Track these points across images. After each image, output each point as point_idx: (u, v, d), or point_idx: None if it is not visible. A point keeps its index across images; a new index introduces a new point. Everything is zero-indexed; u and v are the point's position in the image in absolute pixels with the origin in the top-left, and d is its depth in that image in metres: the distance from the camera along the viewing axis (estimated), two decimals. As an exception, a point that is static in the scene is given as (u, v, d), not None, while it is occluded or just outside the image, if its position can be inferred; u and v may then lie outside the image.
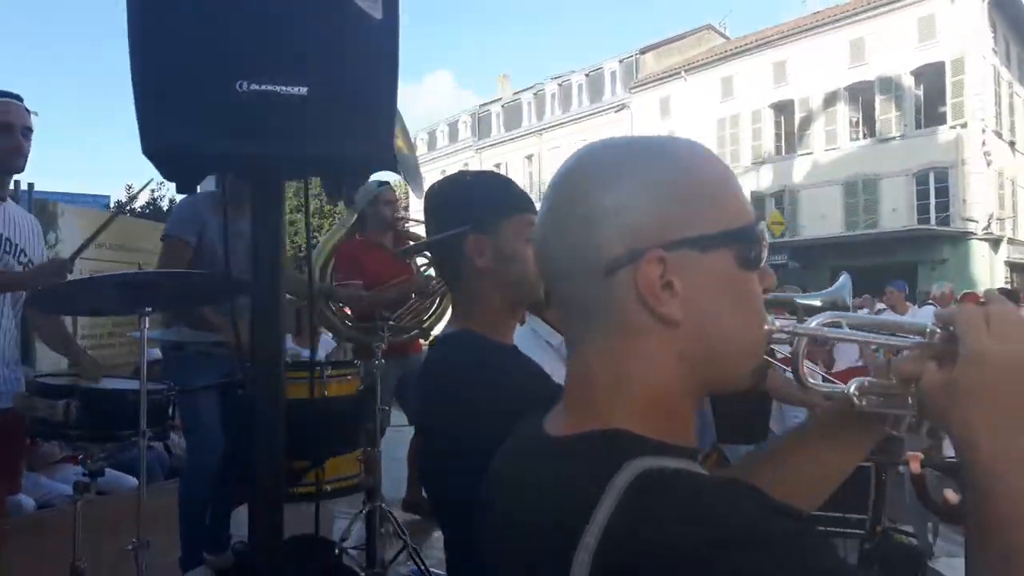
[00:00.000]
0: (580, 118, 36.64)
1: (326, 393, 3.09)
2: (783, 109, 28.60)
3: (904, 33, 24.94)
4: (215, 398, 3.37)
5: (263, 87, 1.20)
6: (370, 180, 4.86)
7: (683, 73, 31.52)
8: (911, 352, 0.85)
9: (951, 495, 2.04)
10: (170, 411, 2.95)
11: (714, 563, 0.65)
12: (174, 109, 1.20)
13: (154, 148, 1.22)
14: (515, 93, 42.17)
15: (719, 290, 0.80)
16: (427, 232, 1.73)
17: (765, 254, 0.83)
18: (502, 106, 42.15)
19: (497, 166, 41.22)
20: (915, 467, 2.07)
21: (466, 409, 1.34)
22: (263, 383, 1.53)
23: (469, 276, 1.57)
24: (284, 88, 1.22)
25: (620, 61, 35.06)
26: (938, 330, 0.82)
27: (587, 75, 36.83)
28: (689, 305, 0.78)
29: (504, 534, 0.83)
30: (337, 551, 3.10)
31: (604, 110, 35.46)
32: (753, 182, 29.13)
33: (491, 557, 0.87)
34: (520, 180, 39.23)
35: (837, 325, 0.89)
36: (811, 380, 0.92)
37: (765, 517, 0.69)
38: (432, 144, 47.00)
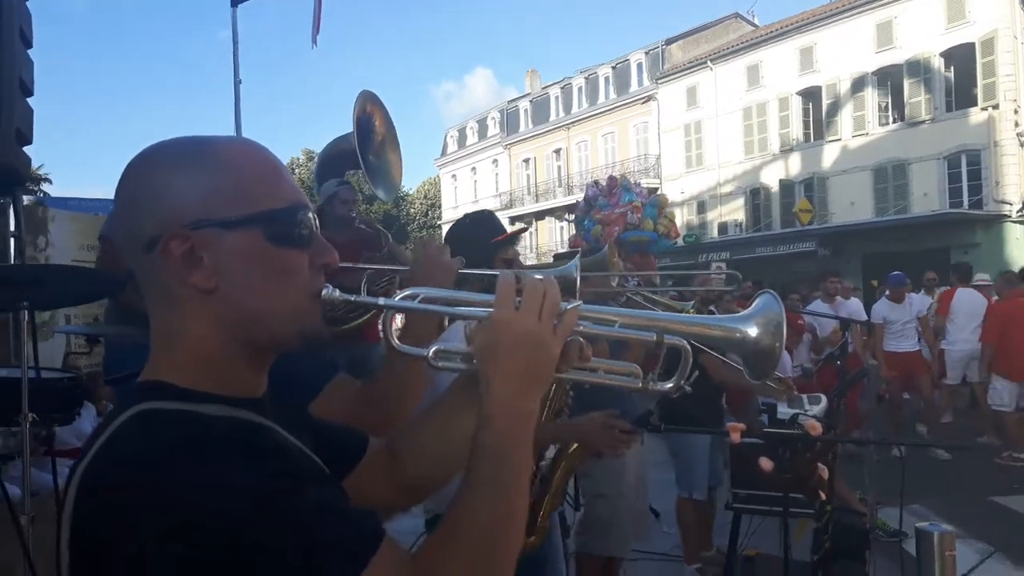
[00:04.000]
0: (607, 110, 36.61)
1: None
2: (811, 96, 28.28)
3: (932, 14, 24.50)
4: None
5: None
6: (327, 185, 5.05)
7: (709, 63, 31.31)
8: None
9: (766, 462, 2.23)
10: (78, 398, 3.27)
11: (120, 484, 0.80)
12: None
13: None
14: (543, 87, 42.21)
15: (248, 263, 0.93)
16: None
17: (307, 233, 0.96)
18: (530, 101, 42.21)
19: (525, 161, 41.35)
20: (736, 437, 2.25)
21: None
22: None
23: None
24: None
25: (646, 52, 34.92)
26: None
27: (613, 67, 36.74)
28: (220, 276, 0.92)
29: None
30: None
31: (631, 102, 35.37)
32: (782, 170, 28.89)
33: None
34: (549, 175, 39.44)
35: (412, 298, 1.03)
36: (398, 344, 1.08)
37: (218, 457, 0.80)
38: (462, 142, 47.24)
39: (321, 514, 0.82)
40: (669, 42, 34.33)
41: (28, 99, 1.72)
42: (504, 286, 0.97)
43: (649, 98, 34.36)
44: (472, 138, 46.48)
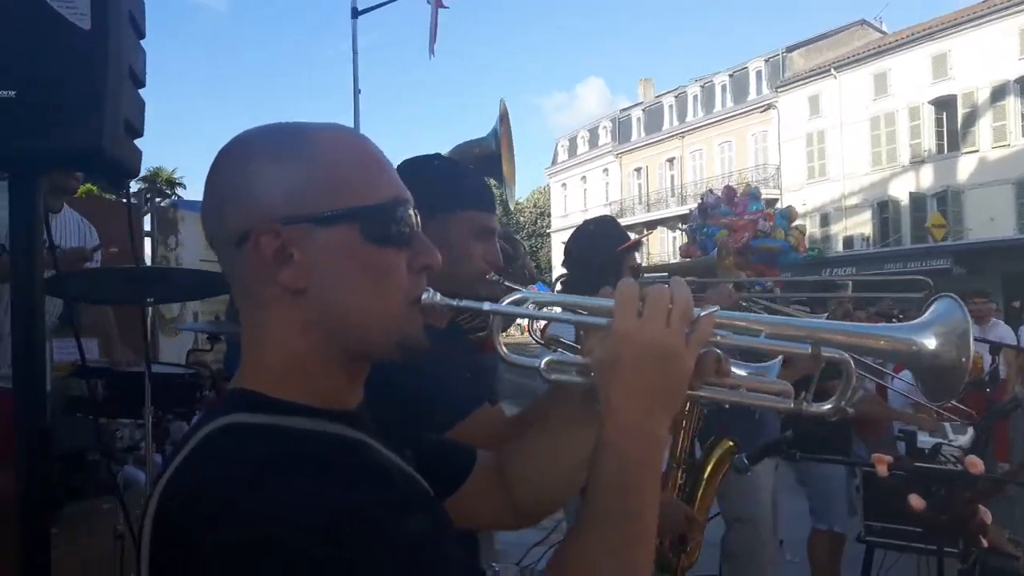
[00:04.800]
0: (723, 119, 35.76)
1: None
2: (944, 105, 26.76)
3: (1086, 17, 22.85)
4: None
5: None
6: None
7: (833, 71, 30.12)
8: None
9: (916, 500, 1.96)
10: (199, 394, 3.29)
11: (204, 503, 0.73)
12: None
13: None
14: (656, 96, 41.71)
15: (341, 262, 0.84)
16: None
17: (408, 232, 0.87)
18: (643, 110, 41.77)
19: (637, 170, 40.94)
20: (882, 470, 2.00)
21: None
22: (26, 381, 1.64)
23: None
24: None
25: (766, 60, 33.94)
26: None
27: (731, 75, 35.86)
28: (312, 275, 0.84)
29: None
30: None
31: (749, 110, 34.45)
32: (912, 183, 27.42)
33: None
34: (662, 183, 38.94)
35: (521, 303, 0.94)
36: (506, 353, 0.94)
37: (302, 480, 0.72)
38: (572, 151, 47.21)
39: (421, 549, 0.73)
40: (790, 49, 33.24)
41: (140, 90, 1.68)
42: (626, 291, 0.84)
43: (769, 106, 33.35)
44: (583, 147, 46.35)
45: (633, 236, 3.17)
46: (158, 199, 25.94)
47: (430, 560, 0.74)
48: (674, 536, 2.70)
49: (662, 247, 38.64)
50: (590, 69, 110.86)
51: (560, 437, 1.07)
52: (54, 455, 3.35)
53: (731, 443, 2.93)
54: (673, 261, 28.11)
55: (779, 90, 32.69)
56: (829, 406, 0.94)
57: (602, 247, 2.82)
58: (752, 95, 34.56)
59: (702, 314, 0.85)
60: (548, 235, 48.70)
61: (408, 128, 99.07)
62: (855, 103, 29.19)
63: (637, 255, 3.55)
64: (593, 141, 45.43)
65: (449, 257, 1.22)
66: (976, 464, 1.92)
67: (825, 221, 30.81)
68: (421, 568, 0.72)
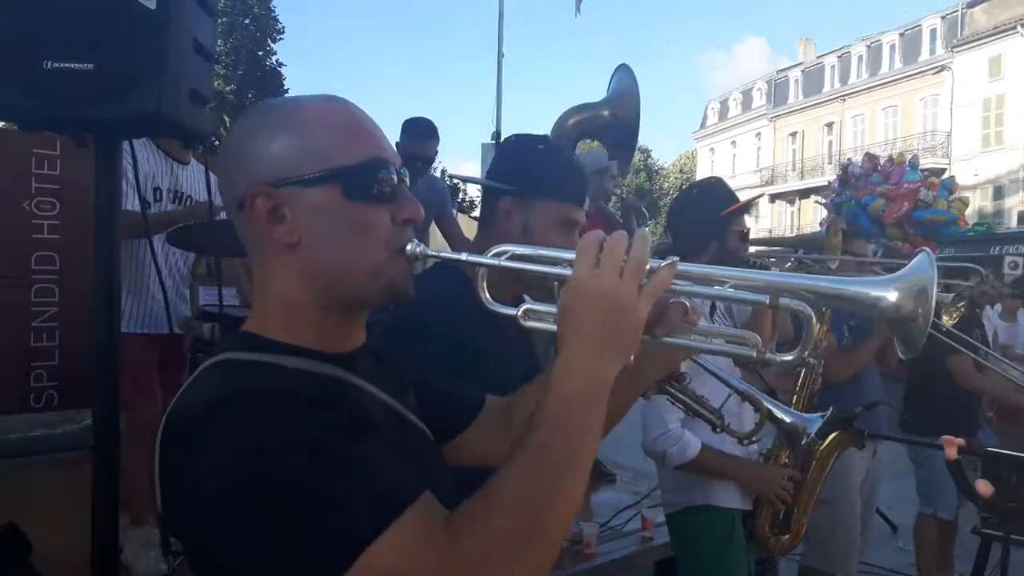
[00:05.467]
0: (890, 82, 33.43)
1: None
2: None
3: None
4: None
5: (62, 64, 1.60)
6: (598, 153, 5.01)
7: (1020, 27, 27.33)
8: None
9: (984, 486, 1.83)
10: None
11: (188, 429, 0.85)
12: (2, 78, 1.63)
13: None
14: (818, 57, 39.43)
15: (327, 218, 0.95)
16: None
17: (389, 189, 0.96)
18: (801, 71, 39.63)
19: (792, 135, 39.07)
20: (951, 453, 1.87)
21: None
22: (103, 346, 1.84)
23: (497, 230, 1.72)
24: (76, 65, 1.61)
25: (943, 17, 31.28)
26: None
27: (901, 34, 33.34)
28: (303, 231, 0.95)
29: None
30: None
31: (919, 72, 31.97)
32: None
33: None
34: (818, 150, 37.00)
35: (500, 255, 0.98)
36: (488, 301, 1.01)
37: (272, 404, 0.83)
38: (724, 114, 45.60)
39: (358, 466, 0.81)
40: (971, 5, 30.38)
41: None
42: (585, 243, 0.89)
43: (942, 68, 30.79)
44: (735, 110, 44.63)
45: (745, 200, 3.02)
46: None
47: (372, 472, 0.82)
48: (778, 502, 2.63)
49: (815, 217, 36.81)
50: (751, 28, 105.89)
51: None
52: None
53: (848, 434, 2.78)
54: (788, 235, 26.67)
55: (955, 50, 30.07)
56: (790, 357, 0.99)
57: (706, 211, 2.71)
58: (924, 55, 32.00)
59: (661, 265, 0.90)
60: (694, 201, 47.41)
61: (551, 91, 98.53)
62: (1044, 64, 26.45)
63: (748, 219, 3.44)
64: (746, 104, 43.60)
65: (525, 241, 1.27)
66: (1047, 453, 1.83)
67: (999, 194, 28.27)
68: (362, 479, 0.81)
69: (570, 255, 0.92)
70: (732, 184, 3.12)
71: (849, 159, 18.67)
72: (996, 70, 28.45)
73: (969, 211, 20.18)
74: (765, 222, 39.58)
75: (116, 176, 1.91)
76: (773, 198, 39.63)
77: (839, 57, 36.95)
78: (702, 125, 47.90)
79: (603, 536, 3.71)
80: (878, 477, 3.82)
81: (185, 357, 3.71)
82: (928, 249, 0.96)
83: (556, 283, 0.97)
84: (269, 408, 0.84)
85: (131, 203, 2.79)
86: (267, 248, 0.98)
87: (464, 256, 1.02)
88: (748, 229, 2.77)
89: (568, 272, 0.91)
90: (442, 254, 1.04)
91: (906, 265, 0.93)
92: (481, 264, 1.00)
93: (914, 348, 0.94)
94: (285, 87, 29.03)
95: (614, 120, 4.47)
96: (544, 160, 1.77)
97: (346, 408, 0.91)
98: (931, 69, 31.37)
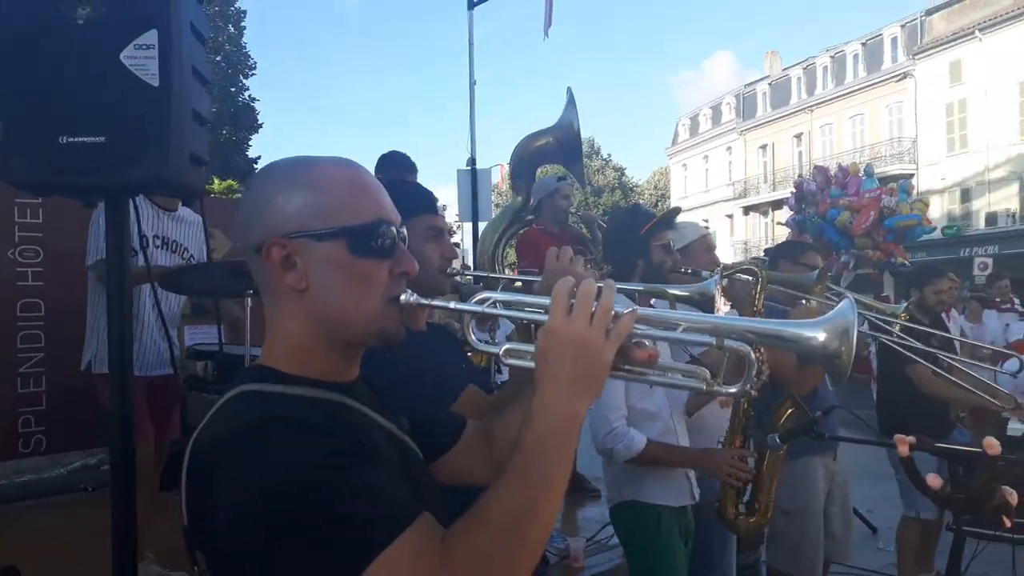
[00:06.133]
0: (856, 91, 34.09)
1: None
2: (1108, 65, 24.46)
3: None
4: None
5: (75, 139, 1.79)
6: (549, 175, 5.13)
7: (978, 32, 28.03)
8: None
9: (934, 479, 1.99)
10: None
11: (214, 454, 0.96)
12: (22, 153, 1.83)
13: (11, 180, 1.88)
14: (784, 69, 40.12)
15: (333, 270, 1.08)
16: None
17: (389, 244, 1.09)
18: (769, 84, 40.28)
19: (763, 147, 39.60)
20: (903, 450, 2.03)
21: None
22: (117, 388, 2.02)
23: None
24: (88, 139, 1.80)
25: (902, 25, 32.01)
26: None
27: (863, 44, 34.06)
28: (311, 279, 1.08)
29: None
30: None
31: (883, 80, 32.64)
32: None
33: None
34: (788, 161, 37.37)
35: (483, 303, 1.11)
36: (474, 341, 1.18)
37: (291, 443, 0.93)
38: (695, 129, 46.12)
39: (366, 487, 0.93)
40: (929, 12, 31.16)
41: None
42: (558, 292, 1.01)
43: (905, 75, 31.48)
44: (705, 125, 45.19)
45: (707, 227, 3.25)
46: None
47: (376, 496, 0.93)
48: (733, 480, 2.77)
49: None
50: (718, 43, 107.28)
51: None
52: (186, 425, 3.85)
53: (792, 406, 2.91)
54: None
55: (916, 57, 30.77)
56: (735, 388, 1.12)
57: (629, 232, 3.00)
58: (887, 63, 32.71)
59: (624, 312, 1.02)
60: (670, 216, 47.68)
61: (525, 116, 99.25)
62: (1002, 67, 27.09)
63: (711, 237, 3.63)
64: (716, 118, 44.16)
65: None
66: (992, 445, 1.98)
67: (966, 196, 28.83)
68: (365, 502, 0.91)
69: (545, 301, 1.04)
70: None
71: (800, 176, 18.98)
72: (957, 75, 29.12)
73: (938, 215, 20.60)
74: (740, 234, 40.04)
75: (125, 231, 2.09)
76: (747, 210, 40.09)
77: (804, 69, 37.62)
78: (674, 142, 48.39)
79: (590, 550, 3.84)
80: (848, 479, 3.94)
81: (177, 396, 3.83)
82: (850, 295, 1.09)
83: (532, 326, 1.10)
84: (285, 434, 0.95)
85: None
86: (279, 290, 1.10)
87: (452, 305, 1.15)
88: (670, 241, 2.99)
89: (540, 317, 1.04)
90: (433, 303, 1.16)
91: (835, 307, 1.06)
92: (467, 311, 1.13)
93: (840, 379, 1.06)
94: (259, 122, 29.14)
95: (558, 144, 4.62)
96: (393, 187, 2.05)
97: (353, 433, 1.03)
98: (894, 77, 32.03)
